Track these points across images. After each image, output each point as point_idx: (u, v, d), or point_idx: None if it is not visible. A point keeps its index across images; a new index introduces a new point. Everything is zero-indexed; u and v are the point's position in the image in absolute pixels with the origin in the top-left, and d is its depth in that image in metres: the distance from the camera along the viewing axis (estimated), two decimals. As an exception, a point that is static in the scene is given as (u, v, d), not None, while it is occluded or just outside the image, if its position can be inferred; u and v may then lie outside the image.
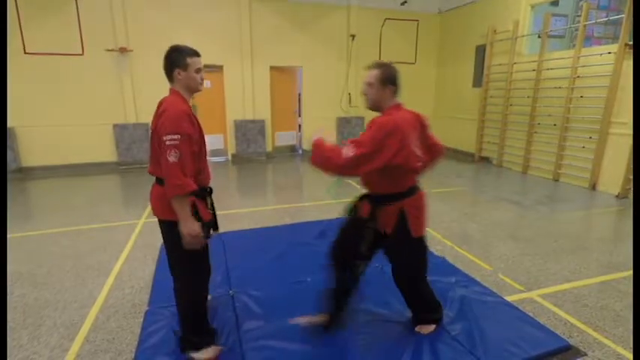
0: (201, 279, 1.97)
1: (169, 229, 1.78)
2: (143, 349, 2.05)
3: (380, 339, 2.14)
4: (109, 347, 2.13)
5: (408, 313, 2.32)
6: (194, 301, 1.95)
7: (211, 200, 1.95)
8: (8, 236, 3.76)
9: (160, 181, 1.78)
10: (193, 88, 1.92)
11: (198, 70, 1.89)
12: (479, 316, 2.33)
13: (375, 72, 1.86)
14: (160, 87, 8.29)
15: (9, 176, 6.40)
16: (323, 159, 1.76)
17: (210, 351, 1.95)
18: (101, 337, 2.21)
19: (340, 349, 2.07)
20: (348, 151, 1.69)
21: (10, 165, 6.44)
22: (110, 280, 2.89)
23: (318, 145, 1.80)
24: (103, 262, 3.19)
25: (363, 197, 2.03)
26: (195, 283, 1.93)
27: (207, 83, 7.68)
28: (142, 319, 2.35)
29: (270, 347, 2.06)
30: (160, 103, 1.82)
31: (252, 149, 8.00)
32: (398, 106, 1.88)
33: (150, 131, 1.86)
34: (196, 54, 1.90)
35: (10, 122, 6.40)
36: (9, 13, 6.12)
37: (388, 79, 1.84)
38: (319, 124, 8.59)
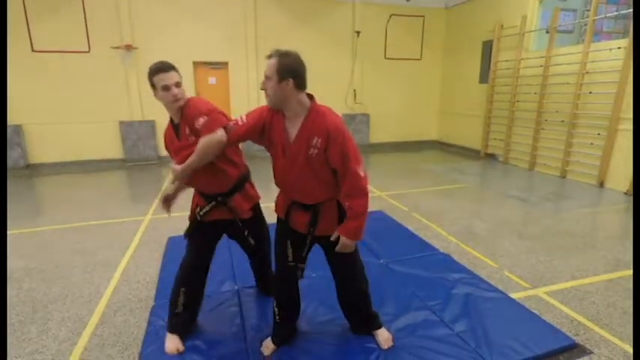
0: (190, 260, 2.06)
1: None
2: (149, 343, 2.08)
3: (384, 335, 2.14)
4: (116, 341, 2.16)
5: (408, 311, 2.32)
6: (179, 276, 2.05)
7: (209, 205, 1.98)
8: (17, 232, 3.81)
9: None
10: (168, 106, 1.81)
11: (165, 88, 1.74)
12: (484, 313, 2.32)
13: (272, 62, 1.56)
14: (166, 84, 8.05)
15: (17, 173, 6.49)
16: (365, 213, 1.67)
17: (173, 339, 2.02)
18: (108, 332, 2.24)
19: (343, 347, 2.07)
20: (361, 172, 1.60)
21: (18, 162, 6.52)
22: (117, 275, 2.92)
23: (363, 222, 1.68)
24: (110, 257, 3.23)
25: (292, 209, 1.79)
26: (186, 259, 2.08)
27: (212, 80, 7.70)
28: (148, 314, 2.37)
29: (274, 343, 2.07)
30: None
31: (257, 146, 7.98)
32: (315, 102, 1.66)
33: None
34: (162, 70, 1.73)
35: (18, 120, 6.48)
36: (17, 12, 6.17)
37: (287, 70, 1.54)
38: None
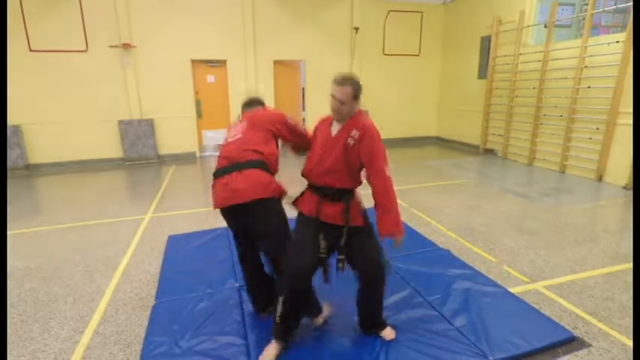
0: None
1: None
2: (151, 341, 2.09)
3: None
4: (118, 339, 2.17)
5: (408, 307, 2.33)
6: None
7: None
8: (17, 232, 3.82)
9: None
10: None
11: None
12: (483, 308, 2.34)
13: (347, 89, 1.87)
14: (163, 82, 8.37)
15: (17, 173, 6.49)
16: (394, 206, 1.90)
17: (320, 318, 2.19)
18: (110, 330, 2.26)
19: (346, 343, 2.08)
20: (387, 172, 1.87)
21: (18, 162, 6.52)
22: (118, 274, 2.93)
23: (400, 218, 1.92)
24: (111, 256, 3.24)
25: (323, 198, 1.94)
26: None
27: (211, 78, 7.69)
28: (149, 312, 2.38)
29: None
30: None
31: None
32: (361, 110, 2.01)
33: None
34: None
35: (17, 120, 6.47)
36: (14, 11, 6.15)
37: (359, 94, 1.92)
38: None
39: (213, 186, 2.03)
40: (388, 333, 2.08)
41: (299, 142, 2.19)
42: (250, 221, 1.97)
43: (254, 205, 1.91)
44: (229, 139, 2.09)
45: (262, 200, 1.92)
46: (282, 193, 2.04)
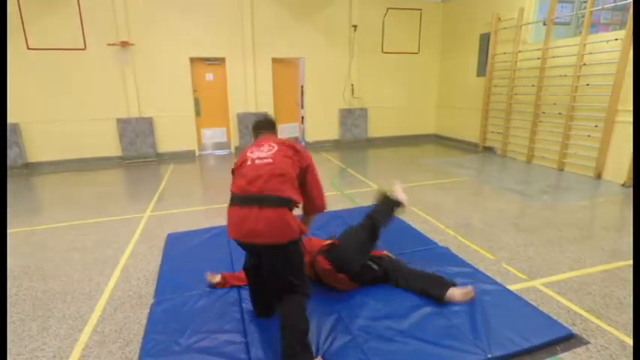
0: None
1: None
2: (150, 339, 2.09)
3: (382, 330, 2.15)
4: (116, 338, 2.17)
5: (408, 304, 2.36)
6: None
7: None
8: (16, 230, 3.82)
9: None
10: None
11: None
12: (482, 305, 2.33)
13: None
14: (162, 80, 8.34)
15: (15, 172, 6.47)
16: None
17: None
18: (109, 328, 2.26)
19: (347, 343, 2.08)
20: None
21: (16, 161, 6.50)
22: (117, 272, 2.93)
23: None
24: (110, 255, 3.24)
25: None
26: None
27: (209, 76, 7.67)
28: (148, 310, 2.38)
29: (274, 339, 2.08)
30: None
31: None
32: None
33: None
34: None
35: (15, 118, 6.45)
36: (12, 10, 6.12)
37: None
38: (321, 116, 8.57)
39: (229, 211, 1.91)
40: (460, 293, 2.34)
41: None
42: (263, 259, 1.95)
43: (269, 248, 1.85)
44: (257, 161, 1.93)
45: (278, 245, 1.83)
46: (301, 232, 1.91)
